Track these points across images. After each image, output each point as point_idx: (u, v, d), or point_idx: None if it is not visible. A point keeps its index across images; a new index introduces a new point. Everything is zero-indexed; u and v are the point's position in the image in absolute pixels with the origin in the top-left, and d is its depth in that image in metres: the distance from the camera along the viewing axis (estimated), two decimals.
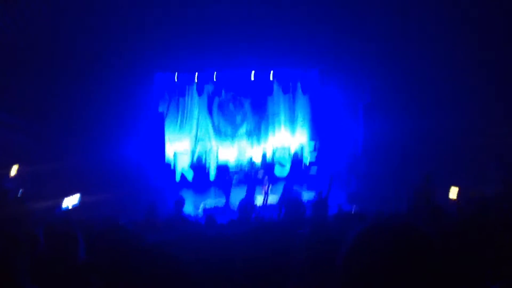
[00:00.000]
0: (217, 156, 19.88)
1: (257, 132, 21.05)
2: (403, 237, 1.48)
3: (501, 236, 3.47)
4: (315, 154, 20.12)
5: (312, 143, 20.54)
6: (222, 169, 19.42)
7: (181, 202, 8.74)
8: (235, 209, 16.44)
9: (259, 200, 17.16)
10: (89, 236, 3.84)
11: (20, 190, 12.56)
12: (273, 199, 17.01)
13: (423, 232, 1.52)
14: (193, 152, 19.97)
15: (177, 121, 20.10)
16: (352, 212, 12.07)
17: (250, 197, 14.09)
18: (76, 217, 10.79)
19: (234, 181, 17.88)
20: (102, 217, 9.33)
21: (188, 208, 14.92)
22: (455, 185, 13.92)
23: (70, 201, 13.68)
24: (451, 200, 13.84)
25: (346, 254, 1.52)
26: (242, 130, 20.94)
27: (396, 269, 1.44)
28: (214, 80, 19.57)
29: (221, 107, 20.61)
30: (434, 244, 1.51)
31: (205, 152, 19.87)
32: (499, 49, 14.60)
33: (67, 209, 13.51)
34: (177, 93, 19.90)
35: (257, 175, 19.09)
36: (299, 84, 20.97)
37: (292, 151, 20.61)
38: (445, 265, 1.49)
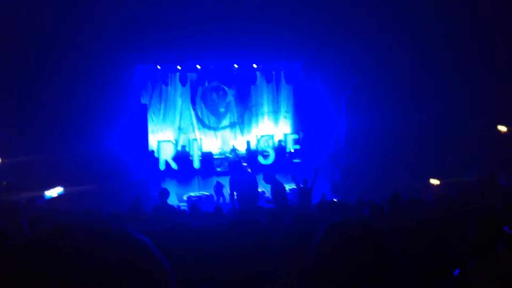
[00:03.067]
0: (200, 146, 19.89)
1: (240, 122, 21.10)
2: (361, 236, 1.59)
3: (476, 223, 3.60)
4: (298, 144, 20.23)
5: (296, 134, 20.64)
6: (206, 158, 19.45)
7: (165, 193, 8.77)
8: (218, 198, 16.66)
9: None
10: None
11: (4, 182, 12.51)
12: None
13: (379, 231, 1.63)
14: (176, 142, 19.95)
15: (160, 112, 20.05)
16: (335, 201, 12.26)
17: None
18: (59, 208, 10.81)
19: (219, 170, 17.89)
20: (83, 209, 9.37)
21: (172, 198, 14.95)
22: (435, 177, 14.23)
23: (53, 192, 13.67)
24: (432, 189, 14.15)
25: (314, 250, 1.62)
26: (226, 120, 20.97)
27: (356, 266, 1.55)
28: (198, 68, 19.52)
29: (204, 97, 20.59)
30: (389, 242, 1.63)
31: (189, 142, 19.86)
32: (484, 41, 14.82)
33: (50, 198, 13.51)
34: (160, 82, 19.83)
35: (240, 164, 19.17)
36: (282, 74, 21.02)
37: (276, 141, 20.70)
38: (406, 262, 1.62)
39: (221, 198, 16.36)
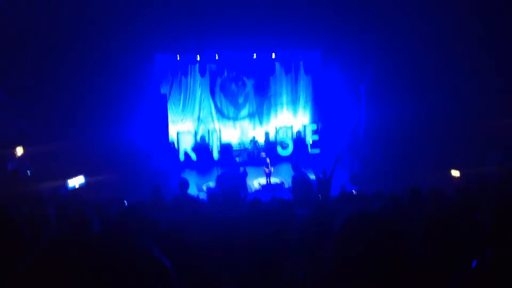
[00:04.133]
0: (220, 137, 20.01)
1: (259, 113, 21.13)
2: (378, 227, 1.64)
3: (493, 212, 3.60)
4: (317, 135, 20.21)
5: (315, 124, 20.62)
6: (226, 149, 19.57)
7: (185, 184, 8.87)
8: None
9: (261, 181, 17.38)
10: (104, 219, 3.97)
11: (28, 171, 12.75)
12: (275, 180, 17.25)
13: (396, 223, 1.68)
14: (196, 133, 20.10)
15: (179, 102, 20.19)
16: (354, 193, 12.25)
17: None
18: (81, 198, 11.01)
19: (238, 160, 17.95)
20: (107, 198, 9.53)
21: (192, 188, 15.10)
22: (457, 167, 14.09)
23: (75, 182, 13.90)
24: (453, 180, 14.05)
25: (333, 239, 1.68)
26: (245, 111, 21.02)
27: (373, 256, 1.60)
28: (216, 58, 19.57)
29: (223, 87, 20.66)
30: (406, 233, 1.68)
31: (208, 132, 19.98)
32: (503, 34, 14.58)
33: (73, 189, 13.76)
34: (180, 73, 19.95)
35: (259, 155, 19.29)
36: (301, 64, 20.98)
37: (295, 132, 20.72)
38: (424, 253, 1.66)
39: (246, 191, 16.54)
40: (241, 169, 17.04)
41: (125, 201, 8.53)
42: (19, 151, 13.32)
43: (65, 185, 13.63)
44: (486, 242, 3.22)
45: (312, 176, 14.57)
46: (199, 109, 20.50)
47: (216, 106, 20.67)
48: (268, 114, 21.21)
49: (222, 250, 3.58)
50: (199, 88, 20.35)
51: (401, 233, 1.71)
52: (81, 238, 1.37)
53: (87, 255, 1.37)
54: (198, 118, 20.50)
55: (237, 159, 18.61)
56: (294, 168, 10.59)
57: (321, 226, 2.97)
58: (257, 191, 16.69)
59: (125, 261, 1.44)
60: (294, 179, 10.28)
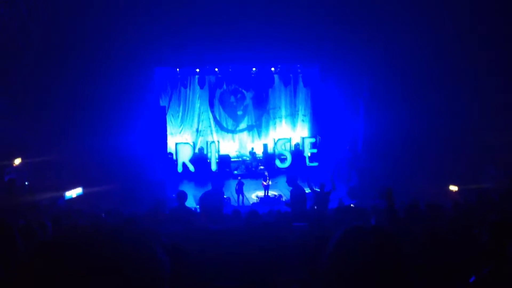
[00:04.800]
0: (218, 149, 20.01)
1: (258, 126, 21.17)
2: (375, 241, 1.64)
3: (491, 228, 3.61)
4: (315, 148, 20.21)
5: (313, 137, 20.62)
6: (224, 161, 19.56)
7: (183, 195, 8.84)
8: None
9: (259, 193, 17.35)
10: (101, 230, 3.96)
11: (26, 181, 12.74)
12: (273, 192, 17.21)
13: (393, 237, 1.68)
14: (194, 145, 20.10)
15: (178, 114, 20.23)
16: (352, 206, 12.22)
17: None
18: (79, 208, 10.98)
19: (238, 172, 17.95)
20: (105, 208, 9.51)
21: (190, 199, 15.05)
22: (454, 182, 14.09)
23: (73, 192, 13.88)
24: (450, 195, 14.05)
25: (329, 253, 1.68)
26: (244, 123, 21.06)
27: (370, 270, 1.60)
28: (216, 71, 19.63)
29: (222, 99, 20.71)
30: (403, 247, 1.68)
31: (207, 144, 19.98)
32: (501, 48, 14.68)
33: (70, 199, 13.72)
34: (179, 85, 20.00)
35: (258, 168, 19.28)
36: (300, 77, 21.04)
37: (293, 144, 20.72)
38: (422, 268, 1.67)
39: (240, 196, 16.55)
40: (236, 172, 17.17)
41: (122, 213, 8.52)
42: (18, 161, 13.31)
43: (63, 196, 13.60)
44: (483, 258, 3.22)
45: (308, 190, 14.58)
46: (198, 121, 20.54)
47: (215, 118, 20.71)
48: (267, 126, 21.25)
49: (218, 262, 3.58)
50: (198, 100, 20.40)
51: (398, 248, 1.71)
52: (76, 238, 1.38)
53: (84, 254, 1.36)
54: (197, 130, 20.53)
55: (235, 171, 18.57)
56: (289, 182, 10.54)
57: (318, 240, 2.97)
58: (254, 204, 16.65)
59: (125, 260, 1.43)
60: (292, 193, 10.23)
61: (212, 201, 8.16)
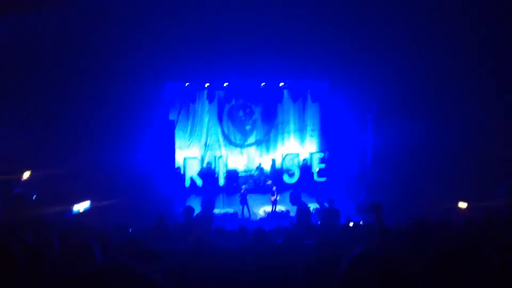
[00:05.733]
0: (226, 163, 20.00)
1: (266, 140, 21.14)
2: (385, 269, 1.61)
3: (502, 252, 3.54)
4: (324, 163, 20.14)
5: (322, 152, 20.58)
6: (232, 175, 19.55)
7: (190, 210, 8.82)
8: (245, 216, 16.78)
9: (267, 208, 17.29)
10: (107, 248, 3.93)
11: (34, 195, 12.75)
12: (281, 208, 17.14)
13: (404, 265, 1.65)
14: (202, 159, 20.10)
15: (187, 129, 20.24)
16: (361, 223, 12.11)
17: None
18: (86, 223, 10.98)
19: (245, 187, 17.99)
20: (112, 223, 9.48)
21: None
22: (463, 199, 13.96)
23: (80, 206, 13.89)
24: (460, 212, 13.91)
25: (338, 280, 1.66)
26: (252, 138, 21.04)
27: None
28: (225, 86, 19.69)
29: (231, 114, 20.72)
30: (414, 276, 1.65)
31: (215, 159, 19.99)
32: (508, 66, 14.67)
33: (78, 213, 13.72)
34: (188, 99, 20.06)
35: (266, 182, 19.24)
36: (309, 93, 21.03)
37: (301, 160, 20.67)
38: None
39: (245, 207, 16.73)
40: (243, 187, 17.27)
41: (130, 229, 8.50)
42: (26, 175, 13.36)
43: (70, 210, 13.61)
44: (494, 281, 3.16)
45: (314, 205, 14.51)
46: (207, 136, 20.53)
47: (223, 132, 20.71)
48: (275, 141, 21.21)
49: (224, 281, 3.54)
50: (207, 115, 20.42)
51: (408, 274, 1.68)
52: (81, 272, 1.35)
53: None
54: (205, 144, 20.51)
55: (244, 186, 18.55)
56: (293, 201, 10.47)
57: (327, 262, 2.93)
58: (262, 219, 16.59)
59: None
60: (298, 212, 10.15)
61: (200, 226, 8.10)
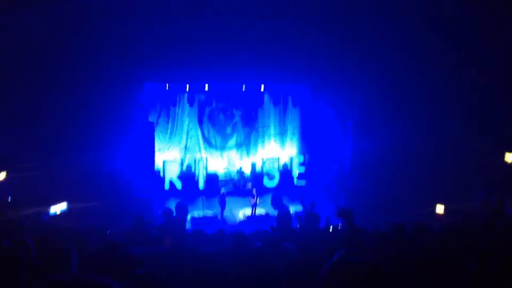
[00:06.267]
0: (206, 166, 19.93)
1: (247, 144, 21.15)
2: (365, 278, 1.62)
3: (481, 257, 3.58)
4: (304, 166, 20.23)
5: (301, 156, 20.67)
6: (211, 178, 19.50)
7: (169, 213, 8.75)
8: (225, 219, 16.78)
9: (247, 211, 17.27)
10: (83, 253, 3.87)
11: (9, 196, 12.53)
12: (261, 211, 17.13)
13: (383, 274, 1.67)
14: (182, 162, 20.00)
15: (167, 131, 20.12)
16: (339, 227, 12.17)
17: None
18: (63, 225, 10.82)
19: (224, 191, 17.99)
20: (89, 226, 9.37)
21: None
22: (441, 202, 14.14)
23: (58, 208, 13.68)
24: (437, 216, 14.07)
25: (321, 284, 1.66)
26: (232, 141, 21.02)
27: None
28: (206, 89, 19.61)
29: (211, 117, 20.67)
30: (390, 279, 1.67)
31: (195, 162, 19.90)
32: (486, 68, 14.90)
33: (55, 215, 13.51)
34: (169, 102, 19.94)
35: (246, 186, 19.23)
36: (290, 97, 21.11)
37: (282, 163, 20.72)
38: None
39: (223, 210, 17.09)
40: (223, 190, 17.36)
41: (108, 230, 8.40)
42: (1, 176, 13.11)
43: (47, 212, 13.39)
44: (473, 284, 3.19)
45: (295, 209, 14.54)
46: (187, 138, 20.44)
47: (203, 135, 20.64)
48: (256, 145, 21.23)
49: (203, 285, 3.51)
50: (187, 117, 20.33)
51: (387, 277, 1.69)
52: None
53: None
54: (185, 147, 20.42)
55: (223, 189, 18.52)
56: (274, 204, 10.49)
57: (307, 267, 2.93)
58: (242, 222, 16.56)
59: None
60: (278, 215, 10.16)
61: (174, 230, 8.07)
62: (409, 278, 3.15)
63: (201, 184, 19.32)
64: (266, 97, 20.94)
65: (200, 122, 20.51)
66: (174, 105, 19.99)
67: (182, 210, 9.11)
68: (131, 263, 2.71)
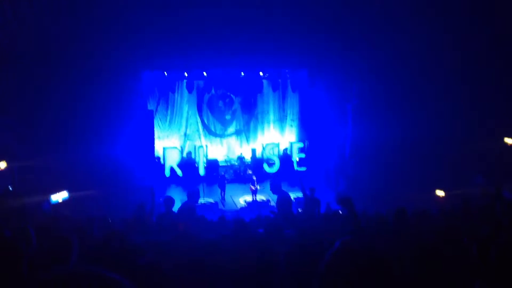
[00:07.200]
0: (206, 153, 19.94)
1: (246, 130, 21.14)
2: (367, 266, 1.63)
3: (480, 243, 3.59)
4: (304, 152, 20.22)
5: (301, 142, 20.65)
6: (212, 165, 19.51)
7: (171, 201, 8.75)
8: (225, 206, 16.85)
9: (247, 198, 17.31)
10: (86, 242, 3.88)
11: (10, 186, 12.54)
12: (261, 197, 17.18)
13: (385, 261, 1.67)
14: (182, 149, 20.01)
15: (166, 118, 20.12)
16: (340, 212, 12.18)
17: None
18: (64, 214, 10.84)
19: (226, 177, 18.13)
20: (91, 214, 9.38)
21: (177, 205, 14.94)
22: (441, 188, 14.15)
23: (59, 197, 13.69)
24: (437, 199, 14.11)
25: (320, 274, 1.66)
26: (232, 128, 21.01)
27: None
28: (205, 75, 19.55)
29: (210, 104, 20.65)
30: (392, 266, 1.68)
31: (195, 149, 19.90)
32: (487, 56, 14.83)
33: (56, 203, 13.53)
34: (167, 89, 19.90)
35: (246, 172, 19.26)
36: (289, 82, 21.06)
37: (282, 149, 20.72)
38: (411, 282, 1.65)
39: (223, 193, 17.43)
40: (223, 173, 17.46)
41: (109, 219, 8.41)
42: (2, 165, 13.10)
43: (48, 200, 13.40)
44: (474, 271, 3.20)
45: (295, 194, 14.57)
46: (186, 125, 20.45)
47: (203, 122, 20.63)
48: (255, 131, 21.22)
49: (206, 273, 3.52)
50: (186, 105, 20.31)
51: (389, 264, 1.69)
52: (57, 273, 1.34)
53: None
54: (185, 134, 20.43)
55: (226, 175, 18.56)
56: (273, 189, 10.44)
57: (308, 251, 2.93)
58: (242, 209, 16.61)
59: None
60: (278, 201, 10.13)
61: (186, 217, 8.10)
62: (411, 262, 3.17)
63: (201, 171, 19.33)
64: (265, 82, 20.88)
65: (199, 109, 20.49)
66: (173, 92, 19.96)
67: (195, 196, 9.21)
68: (133, 252, 2.72)
